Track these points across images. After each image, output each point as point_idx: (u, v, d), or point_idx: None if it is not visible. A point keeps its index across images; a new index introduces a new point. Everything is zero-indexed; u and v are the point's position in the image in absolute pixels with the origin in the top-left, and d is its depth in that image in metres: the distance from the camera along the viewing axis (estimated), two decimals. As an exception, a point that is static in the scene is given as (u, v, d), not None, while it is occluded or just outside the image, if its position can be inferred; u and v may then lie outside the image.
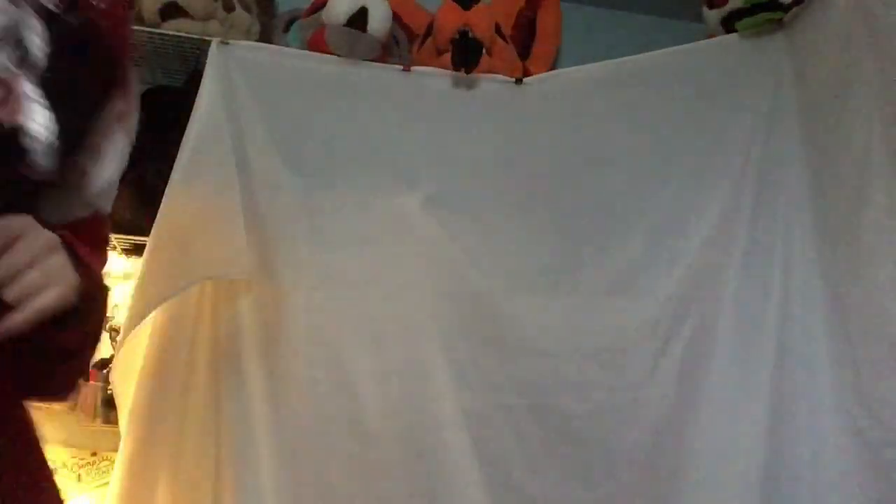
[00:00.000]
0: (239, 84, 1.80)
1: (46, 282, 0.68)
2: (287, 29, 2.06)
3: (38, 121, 0.73)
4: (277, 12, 2.21)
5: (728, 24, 1.90)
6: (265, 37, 2.08)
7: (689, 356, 1.75)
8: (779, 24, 1.85)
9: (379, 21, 1.89)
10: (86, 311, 0.75)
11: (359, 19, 1.87)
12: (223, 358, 1.66)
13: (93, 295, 0.77)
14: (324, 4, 1.93)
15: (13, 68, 0.74)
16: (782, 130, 1.82)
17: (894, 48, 1.52)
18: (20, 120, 0.72)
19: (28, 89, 0.73)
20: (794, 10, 1.80)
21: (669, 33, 2.20)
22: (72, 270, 0.70)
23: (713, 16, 1.93)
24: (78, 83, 0.80)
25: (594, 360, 1.76)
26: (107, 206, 0.91)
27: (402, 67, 1.91)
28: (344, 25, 1.87)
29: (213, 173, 1.68)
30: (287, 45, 1.96)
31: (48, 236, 0.69)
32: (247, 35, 2.00)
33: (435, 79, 1.91)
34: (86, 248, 0.78)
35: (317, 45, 1.89)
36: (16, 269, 0.66)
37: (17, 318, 0.66)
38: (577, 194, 1.87)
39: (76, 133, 0.80)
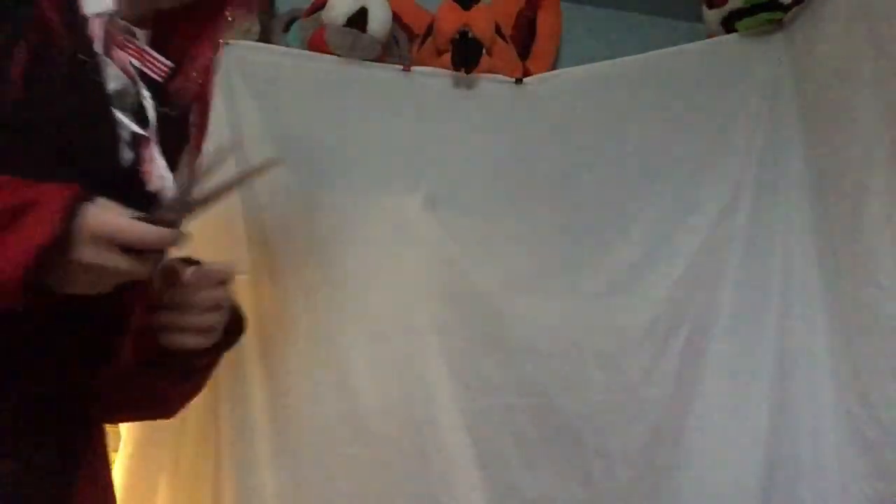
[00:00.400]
0: (239, 84, 1.80)
1: (222, 320, 0.81)
2: (287, 29, 2.06)
3: (167, 183, 0.83)
4: (277, 12, 2.20)
5: (728, 24, 1.90)
6: (265, 37, 2.08)
7: (688, 356, 1.75)
8: (779, 24, 1.85)
9: (379, 21, 1.89)
10: (230, 343, 0.87)
11: (359, 19, 1.86)
12: (223, 358, 1.65)
13: (239, 327, 0.89)
14: (324, 4, 1.93)
15: (143, 132, 0.83)
16: (782, 130, 1.82)
17: (894, 48, 1.52)
18: (160, 183, 0.83)
19: (156, 153, 0.83)
20: (794, 10, 1.80)
21: (669, 33, 2.19)
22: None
23: (713, 16, 1.93)
24: (176, 145, 0.90)
25: (594, 360, 1.76)
26: None
27: (402, 67, 1.91)
28: (344, 25, 1.87)
29: (213, 173, 1.68)
30: (287, 45, 1.95)
31: None
32: (247, 35, 1.99)
33: (435, 79, 1.91)
34: None
35: (317, 45, 1.89)
36: (220, 302, 0.79)
37: (195, 342, 0.78)
38: (576, 194, 1.87)
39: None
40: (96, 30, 0.81)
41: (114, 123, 0.80)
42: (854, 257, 1.58)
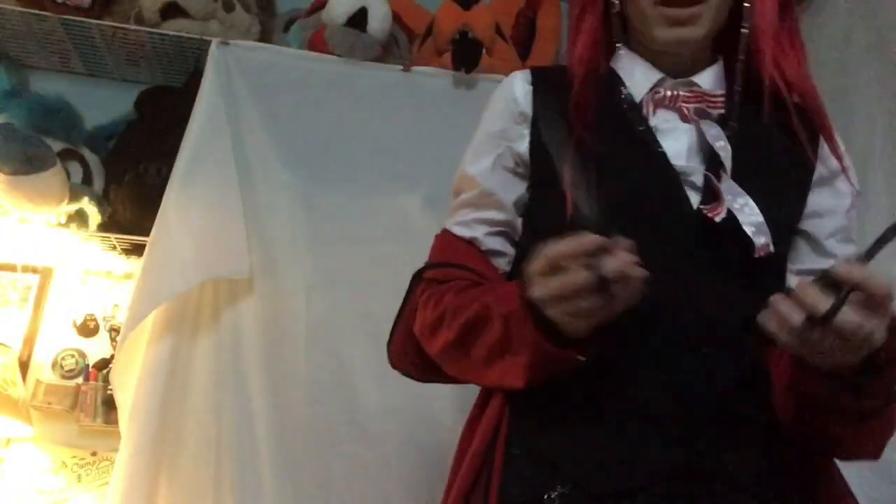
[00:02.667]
0: (239, 84, 1.80)
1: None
2: (287, 29, 2.06)
3: (746, 208, 0.81)
4: (277, 12, 2.21)
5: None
6: (265, 37, 2.09)
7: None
8: (779, 24, 1.85)
9: (379, 21, 1.89)
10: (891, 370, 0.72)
11: (359, 19, 1.87)
12: (223, 358, 1.66)
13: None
14: (324, 4, 1.93)
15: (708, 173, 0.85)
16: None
17: (894, 48, 1.52)
18: (739, 210, 0.81)
19: (728, 186, 0.82)
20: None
21: (669, 33, 2.19)
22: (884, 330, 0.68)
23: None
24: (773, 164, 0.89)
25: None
26: None
27: (402, 67, 1.91)
28: (344, 25, 1.87)
29: (213, 173, 1.68)
30: (287, 45, 1.95)
31: None
32: (247, 35, 2.00)
33: (435, 79, 1.91)
34: None
35: (317, 45, 1.89)
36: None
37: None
38: (576, 194, 1.87)
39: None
40: (645, 106, 0.89)
41: (672, 176, 0.85)
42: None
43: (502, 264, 0.94)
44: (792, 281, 0.88)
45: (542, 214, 0.92)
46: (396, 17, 2.03)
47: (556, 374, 0.78)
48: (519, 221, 0.95)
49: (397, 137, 1.85)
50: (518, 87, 0.94)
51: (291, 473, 1.61)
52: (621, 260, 0.68)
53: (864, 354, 0.68)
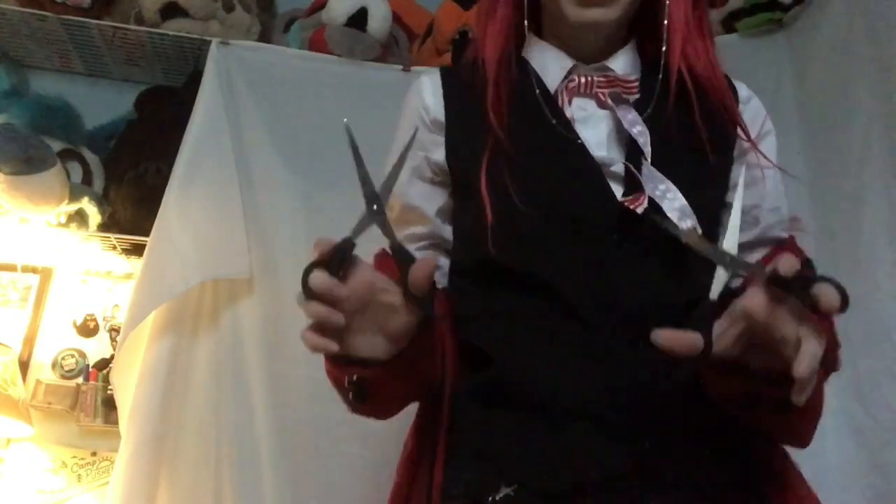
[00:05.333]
0: (239, 84, 1.80)
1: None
2: (287, 29, 2.06)
3: (667, 192, 0.79)
4: (277, 12, 2.21)
5: (728, 24, 1.90)
6: (265, 37, 2.09)
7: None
8: (779, 24, 1.85)
9: (379, 21, 1.89)
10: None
11: (359, 19, 1.87)
12: (223, 358, 1.66)
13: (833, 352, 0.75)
14: (324, 4, 1.93)
15: (625, 162, 0.83)
16: (782, 130, 1.81)
17: (894, 48, 1.52)
18: (660, 196, 0.80)
19: (649, 172, 0.81)
20: (794, 10, 1.80)
21: (669, 33, 2.19)
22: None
23: (713, 16, 1.93)
24: (688, 142, 0.86)
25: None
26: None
27: (402, 67, 1.91)
28: (344, 25, 1.87)
29: (213, 173, 1.68)
30: (287, 45, 1.95)
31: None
32: (247, 35, 2.00)
33: (435, 79, 1.91)
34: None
35: (317, 45, 1.89)
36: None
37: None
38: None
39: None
40: (560, 96, 0.87)
41: (592, 167, 0.83)
42: (854, 258, 1.58)
43: (437, 277, 0.89)
44: None
45: (464, 220, 0.90)
46: (396, 17, 2.03)
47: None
48: (448, 230, 0.94)
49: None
50: (427, 92, 0.93)
51: (291, 473, 1.61)
52: (315, 309, 0.69)
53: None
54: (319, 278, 0.70)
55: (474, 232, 0.81)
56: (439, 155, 0.91)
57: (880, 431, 1.48)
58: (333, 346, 0.70)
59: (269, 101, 1.81)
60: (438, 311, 0.79)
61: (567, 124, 0.85)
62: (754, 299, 0.63)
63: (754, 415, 0.76)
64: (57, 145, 1.88)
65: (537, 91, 0.88)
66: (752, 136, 0.91)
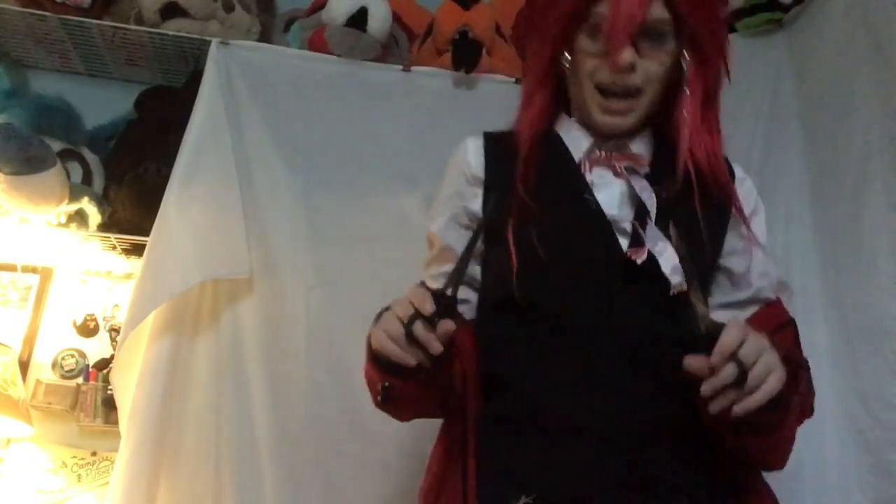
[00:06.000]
0: (239, 84, 1.80)
1: (769, 371, 0.81)
2: (287, 29, 2.06)
3: (665, 253, 0.95)
4: (277, 12, 2.21)
5: (728, 25, 1.90)
6: (265, 37, 2.09)
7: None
8: (779, 24, 1.85)
9: (379, 21, 1.89)
10: (789, 396, 0.85)
11: (359, 19, 1.87)
12: (223, 358, 1.66)
13: (796, 379, 0.88)
14: (324, 4, 1.93)
15: (634, 221, 1.00)
16: (782, 130, 1.82)
17: (894, 48, 1.52)
18: (661, 254, 0.96)
19: (653, 232, 0.97)
20: (794, 10, 1.80)
21: (669, 33, 2.19)
22: (780, 364, 0.83)
23: (713, 16, 1.93)
24: (687, 217, 1.01)
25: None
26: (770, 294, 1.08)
27: (402, 67, 1.91)
28: (344, 25, 1.87)
29: (213, 173, 1.68)
30: (287, 45, 1.95)
31: (763, 338, 0.83)
32: (247, 35, 2.00)
33: (435, 79, 1.91)
34: (782, 339, 0.94)
35: (317, 45, 1.89)
36: (753, 361, 0.80)
37: (756, 398, 0.80)
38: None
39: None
40: (583, 165, 1.04)
41: (604, 223, 0.99)
42: (854, 257, 1.58)
43: (465, 310, 1.06)
44: (716, 314, 0.98)
45: (492, 262, 1.05)
46: (396, 17, 2.03)
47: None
48: (478, 270, 1.09)
49: (397, 137, 1.85)
50: (472, 152, 1.10)
51: (291, 473, 1.61)
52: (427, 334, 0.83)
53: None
54: (421, 329, 0.84)
55: (500, 273, 0.96)
56: (476, 205, 1.08)
57: (881, 431, 1.48)
58: (411, 360, 0.85)
59: (269, 101, 1.81)
60: (459, 345, 0.94)
61: (587, 187, 1.02)
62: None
63: (739, 436, 0.89)
64: (57, 145, 1.88)
65: (564, 156, 1.06)
66: (747, 212, 1.07)
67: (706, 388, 0.81)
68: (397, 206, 1.80)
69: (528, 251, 0.96)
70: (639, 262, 0.94)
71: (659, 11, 0.98)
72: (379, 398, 0.94)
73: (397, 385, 0.91)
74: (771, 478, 1.10)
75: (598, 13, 0.99)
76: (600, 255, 0.98)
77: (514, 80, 1.94)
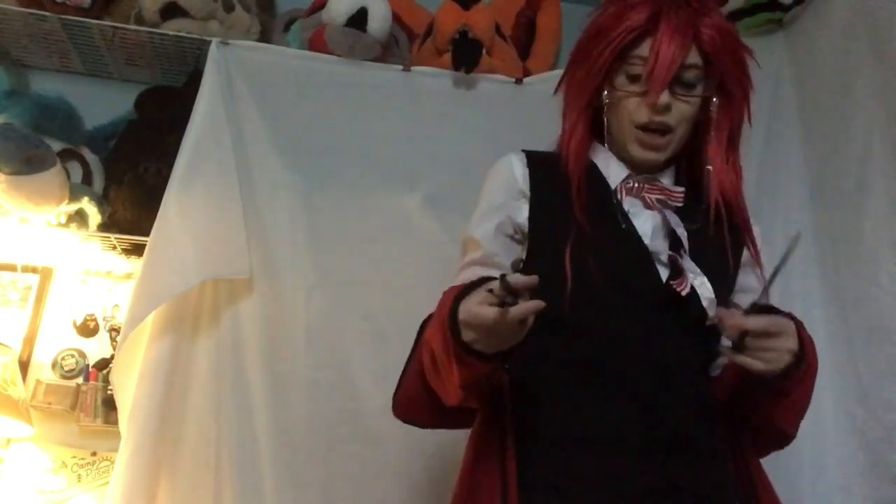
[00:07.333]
0: (239, 84, 1.80)
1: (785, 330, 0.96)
2: (287, 29, 2.06)
3: (700, 284, 1.05)
4: (277, 12, 2.21)
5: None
6: (265, 37, 2.09)
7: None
8: (779, 24, 1.85)
9: (379, 21, 1.89)
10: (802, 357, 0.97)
11: (359, 19, 1.87)
12: (223, 358, 1.66)
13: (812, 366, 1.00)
14: (324, 4, 1.93)
15: (670, 252, 1.08)
16: (782, 130, 1.82)
17: (894, 48, 1.52)
18: (698, 285, 1.05)
19: (688, 263, 1.05)
20: (794, 10, 1.80)
21: (669, 33, 2.19)
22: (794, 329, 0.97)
23: (713, 16, 1.93)
24: (716, 249, 1.11)
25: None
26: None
27: (402, 67, 1.91)
28: (344, 25, 1.87)
29: (213, 173, 1.68)
30: (287, 45, 1.95)
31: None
32: (247, 35, 2.00)
33: (435, 79, 1.91)
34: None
35: (317, 45, 1.89)
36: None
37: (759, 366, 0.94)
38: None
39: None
40: (619, 193, 1.11)
41: (646, 253, 1.07)
42: (854, 257, 1.58)
43: None
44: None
45: (535, 274, 1.06)
46: (396, 17, 2.03)
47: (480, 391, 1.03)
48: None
49: (397, 137, 1.85)
50: (517, 168, 1.15)
51: (291, 473, 1.61)
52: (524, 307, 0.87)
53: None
54: (519, 278, 0.87)
55: (548, 289, 0.96)
56: (522, 218, 1.13)
57: (881, 431, 1.48)
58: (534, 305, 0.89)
59: (269, 101, 1.81)
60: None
61: (626, 217, 1.08)
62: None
63: (757, 400, 1.03)
64: (57, 145, 1.87)
65: (603, 184, 1.11)
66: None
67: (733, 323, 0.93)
68: (397, 206, 1.80)
69: (582, 273, 1.03)
70: (683, 293, 1.03)
71: (693, 57, 1.06)
72: (461, 388, 0.97)
73: (479, 369, 0.95)
74: (771, 477, 1.11)
75: (636, 55, 1.06)
76: (643, 283, 1.05)
77: (513, 80, 1.94)
